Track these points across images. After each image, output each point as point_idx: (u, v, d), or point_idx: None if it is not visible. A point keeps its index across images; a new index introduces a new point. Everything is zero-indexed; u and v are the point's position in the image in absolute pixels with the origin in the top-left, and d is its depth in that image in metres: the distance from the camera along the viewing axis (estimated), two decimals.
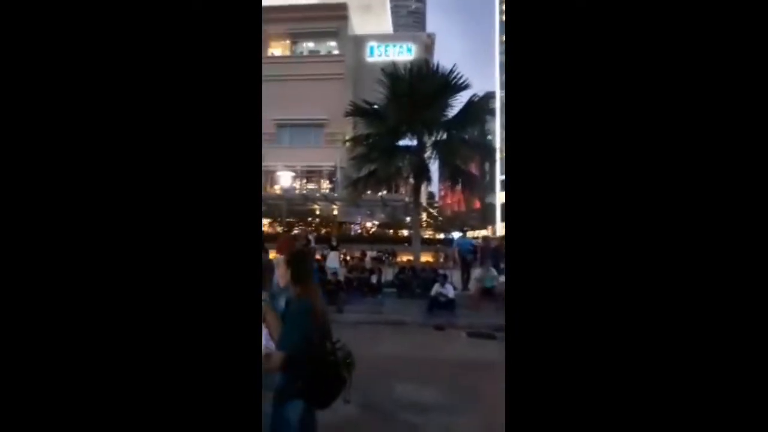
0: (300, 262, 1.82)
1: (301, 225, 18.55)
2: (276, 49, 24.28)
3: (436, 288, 7.28)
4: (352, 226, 19.02)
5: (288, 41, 24.09)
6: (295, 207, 19.23)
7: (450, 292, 7.25)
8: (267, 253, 3.62)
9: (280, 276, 1.80)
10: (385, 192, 15.72)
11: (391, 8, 31.03)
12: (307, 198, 19.67)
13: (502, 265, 8.43)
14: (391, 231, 18.33)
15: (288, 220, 18.23)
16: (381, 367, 4.46)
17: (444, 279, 7.53)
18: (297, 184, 22.38)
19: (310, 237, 8.04)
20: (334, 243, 9.59)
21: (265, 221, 18.70)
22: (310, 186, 22.64)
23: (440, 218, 26.16)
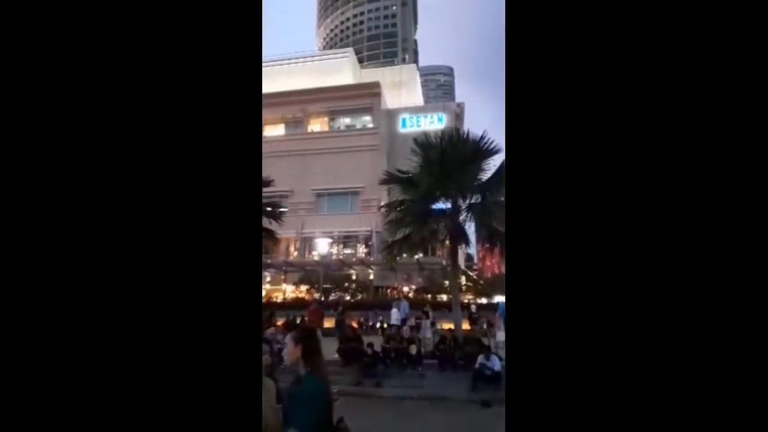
0: (309, 338, 1.78)
1: (337, 290, 18.45)
2: (315, 125, 26.25)
3: (480, 360, 6.78)
4: (388, 290, 18.72)
5: (326, 118, 26.07)
6: (332, 272, 19.38)
7: (496, 364, 6.72)
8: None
9: (289, 353, 1.74)
10: (421, 255, 15.53)
11: (422, 83, 33.13)
12: (344, 263, 19.83)
13: None
14: (429, 296, 17.78)
15: (325, 285, 18.27)
16: None
17: (488, 350, 7.03)
18: (334, 250, 22.74)
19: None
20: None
21: (303, 288, 18.87)
22: (347, 251, 22.93)
23: (481, 281, 25.21)
